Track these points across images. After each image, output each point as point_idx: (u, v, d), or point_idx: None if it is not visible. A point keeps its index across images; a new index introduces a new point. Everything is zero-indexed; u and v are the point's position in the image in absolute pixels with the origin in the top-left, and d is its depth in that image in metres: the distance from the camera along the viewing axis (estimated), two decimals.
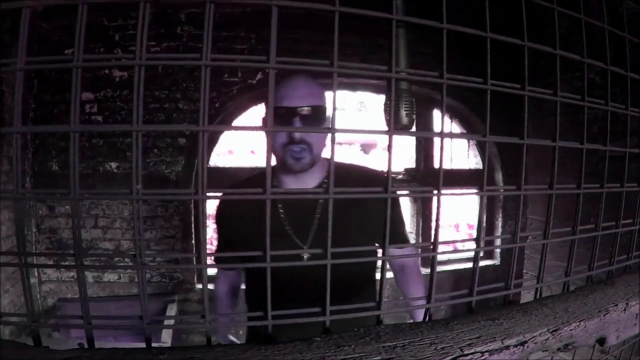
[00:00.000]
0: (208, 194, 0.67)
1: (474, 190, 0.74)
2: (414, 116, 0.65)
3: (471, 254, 0.76)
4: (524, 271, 4.49)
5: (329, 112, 1.48)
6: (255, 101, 4.24)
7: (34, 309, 0.72)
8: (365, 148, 12.50)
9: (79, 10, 0.64)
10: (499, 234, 4.69)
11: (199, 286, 4.06)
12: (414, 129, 0.74)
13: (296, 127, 1.35)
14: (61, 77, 3.60)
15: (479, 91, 0.73)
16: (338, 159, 1.63)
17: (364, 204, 1.51)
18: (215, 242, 1.85)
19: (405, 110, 0.61)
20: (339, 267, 0.63)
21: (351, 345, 0.58)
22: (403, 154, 5.44)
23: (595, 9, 1.01)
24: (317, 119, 1.43)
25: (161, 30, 3.81)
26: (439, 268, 4.53)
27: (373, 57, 3.95)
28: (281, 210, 1.51)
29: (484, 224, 4.91)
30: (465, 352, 0.57)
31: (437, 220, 0.73)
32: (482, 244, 0.75)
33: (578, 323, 0.69)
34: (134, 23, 3.76)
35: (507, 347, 0.60)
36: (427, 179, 4.66)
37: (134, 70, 0.64)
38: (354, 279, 1.45)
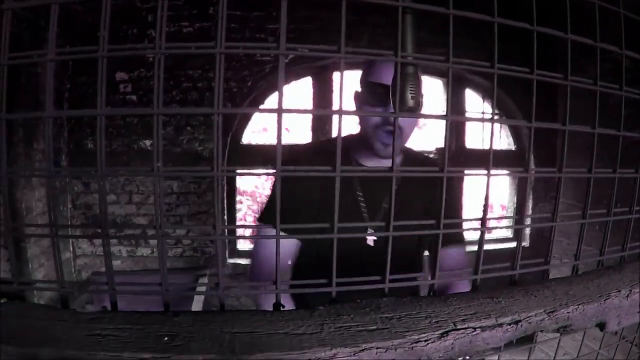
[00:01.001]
0: (224, 171, 0.71)
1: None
2: (421, 98, 0.67)
3: (502, 234, 0.78)
4: (554, 255, 4.44)
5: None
6: (287, 80, 4.27)
7: (63, 277, 0.79)
8: None
9: (104, 2, 0.69)
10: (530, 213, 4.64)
11: (231, 260, 4.16)
12: (422, 111, 0.77)
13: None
14: (96, 57, 3.69)
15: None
16: (410, 146, 1.63)
17: (430, 192, 1.46)
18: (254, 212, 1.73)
19: (410, 93, 0.63)
20: (395, 250, 0.66)
21: (350, 315, 0.62)
22: (434, 133, 5.41)
23: None
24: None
25: (194, 11, 3.87)
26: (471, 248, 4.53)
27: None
28: (358, 187, 1.49)
29: (527, 204, 4.87)
30: (458, 327, 0.60)
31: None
32: (525, 222, 0.77)
33: (576, 306, 0.70)
34: (167, 4, 3.82)
35: (500, 325, 0.62)
36: (458, 158, 4.63)
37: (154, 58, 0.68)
38: (410, 258, 1.48)
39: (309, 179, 1.43)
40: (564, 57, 0.80)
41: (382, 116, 1.37)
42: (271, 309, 0.68)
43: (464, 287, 1.50)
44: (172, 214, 4.05)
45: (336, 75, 4.63)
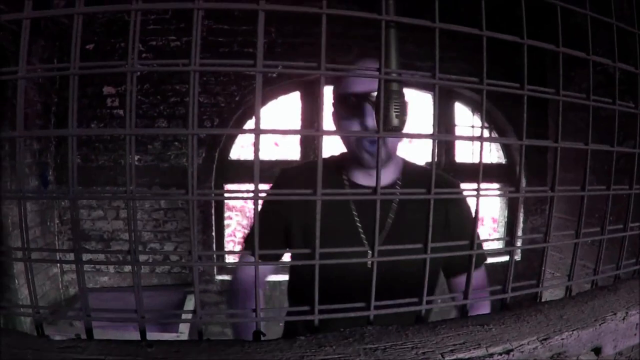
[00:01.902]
0: (199, 195, 0.67)
1: (471, 192, 0.74)
2: (405, 117, 0.64)
3: (492, 247, 0.75)
4: (547, 270, 4.42)
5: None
6: (275, 94, 4.25)
7: (37, 300, 0.76)
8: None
9: (75, 19, 0.66)
10: (521, 229, 4.63)
11: (219, 277, 4.10)
12: (405, 130, 0.73)
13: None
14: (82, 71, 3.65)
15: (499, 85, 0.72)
16: (410, 159, 1.56)
17: (440, 210, 1.38)
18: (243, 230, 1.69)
19: (395, 112, 0.60)
20: (402, 275, 0.63)
21: (332, 346, 0.58)
22: (424, 148, 5.39)
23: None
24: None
25: (181, 24, 3.84)
26: None
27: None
28: (353, 207, 1.41)
29: (519, 223, 4.86)
30: (446, 359, 0.56)
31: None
32: (517, 243, 0.74)
33: (571, 332, 0.67)
34: (154, 18, 3.80)
35: (491, 355, 0.59)
36: (448, 172, 4.61)
37: (127, 76, 0.65)
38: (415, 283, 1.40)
39: (299, 202, 1.39)
40: (553, 68, 0.78)
41: (362, 136, 1.32)
42: (251, 338, 0.65)
43: (485, 308, 1.42)
44: (160, 230, 3.99)
45: (326, 90, 4.61)
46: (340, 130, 1.36)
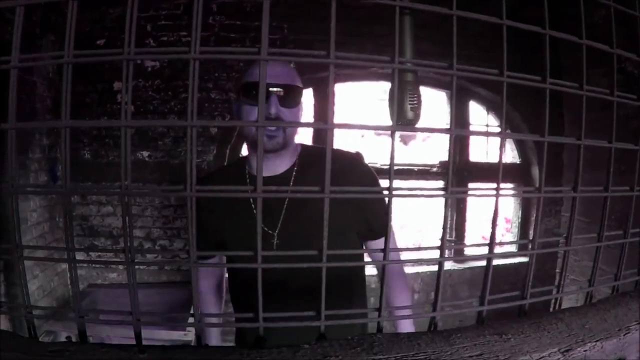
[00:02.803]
0: (197, 191, 0.64)
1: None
2: (420, 111, 0.61)
3: (506, 248, 0.70)
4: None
5: (303, 96, 1.45)
6: None
7: (30, 300, 0.73)
8: (405, 139, 12.27)
9: (70, 6, 0.63)
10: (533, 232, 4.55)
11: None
12: (420, 124, 0.69)
13: (273, 109, 1.30)
14: (92, 66, 3.64)
15: (516, 84, 0.67)
16: (308, 141, 1.58)
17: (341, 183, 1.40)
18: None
19: (410, 104, 0.56)
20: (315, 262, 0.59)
21: (339, 356, 0.54)
22: (439, 146, 5.34)
23: None
24: (292, 99, 1.38)
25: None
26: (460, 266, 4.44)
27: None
28: (253, 205, 1.43)
29: (539, 224, 4.78)
30: None
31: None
32: (536, 246, 0.69)
33: (594, 343, 0.62)
34: (165, 14, 3.77)
35: None
36: (462, 172, 4.55)
37: (122, 64, 0.62)
38: (340, 276, 1.39)
39: (216, 200, 1.47)
40: (571, 67, 0.73)
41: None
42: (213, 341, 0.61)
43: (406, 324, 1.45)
44: (170, 226, 3.97)
45: (339, 87, 4.57)
46: (241, 119, 1.42)
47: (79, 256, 3.73)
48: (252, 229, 1.38)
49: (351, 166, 1.47)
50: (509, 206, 5.06)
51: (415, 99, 0.61)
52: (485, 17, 0.63)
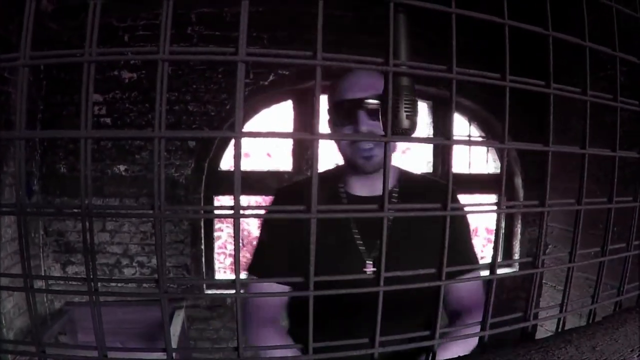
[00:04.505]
0: (167, 212, 0.57)
1: (491, 207, 0.63)
2: (416, 118, 0.56)
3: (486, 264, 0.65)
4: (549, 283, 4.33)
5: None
6: (267, 103, 4.15)
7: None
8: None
9: (27, 5, 0.56)
10: (518, 241, 4.53)
11: (208, 292, 3.97)
12: (416, 133, 0.64)
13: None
14: (71, 77, 3.55)
15: (499, 93, 0.62)
16: (405, 167, 1.50)
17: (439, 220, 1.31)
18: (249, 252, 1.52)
19: (406, 111, 0.51)
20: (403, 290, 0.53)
21: None
22: (421, 158, 5.30)
23: None
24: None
25: (172, 31, 3.74)
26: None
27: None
28: (352, 224, 1.34)
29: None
30: None
31: (497, 240, 0.62)
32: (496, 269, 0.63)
33: None
34: (143, 24, 3.70)
35: None
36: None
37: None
38: (418, 304, 1.30)
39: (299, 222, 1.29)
40: (568, 74, 0.68)
41: (366, 140, 1.26)
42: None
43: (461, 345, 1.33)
44: (147, 242, 3.86)
45: (320, 99, 4.51)
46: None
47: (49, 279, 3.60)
48: (347, 248, 1.31)
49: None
50: (492, 217, 5.04)
51: (411, 105, 0.55)
52: (487, 17, 0.58)
